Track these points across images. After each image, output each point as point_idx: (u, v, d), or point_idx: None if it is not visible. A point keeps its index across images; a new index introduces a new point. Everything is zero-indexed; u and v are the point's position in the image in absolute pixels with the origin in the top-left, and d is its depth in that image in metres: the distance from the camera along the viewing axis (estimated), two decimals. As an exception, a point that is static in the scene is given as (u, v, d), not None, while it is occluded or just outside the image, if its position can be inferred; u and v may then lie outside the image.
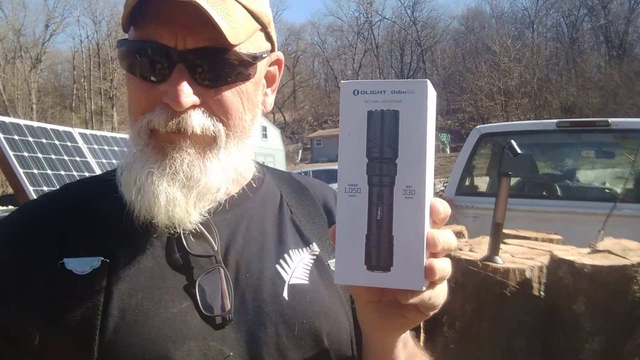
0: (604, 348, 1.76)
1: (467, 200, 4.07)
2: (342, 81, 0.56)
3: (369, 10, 61.35)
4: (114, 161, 3.75)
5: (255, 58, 0.72)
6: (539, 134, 4.20)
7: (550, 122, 4.07)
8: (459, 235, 3.03)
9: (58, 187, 0.85)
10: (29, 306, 0.68)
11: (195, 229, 0.73)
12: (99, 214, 0.75)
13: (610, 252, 1.97)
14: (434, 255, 0.56)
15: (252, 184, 0.84)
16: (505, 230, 2.23)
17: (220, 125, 0.72)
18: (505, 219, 2.02)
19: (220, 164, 0.72)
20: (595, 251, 2.02)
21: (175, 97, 0.67)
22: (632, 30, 48.25)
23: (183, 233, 0.72)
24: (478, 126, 4.47)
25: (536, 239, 2.75)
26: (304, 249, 0.81)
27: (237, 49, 0.69)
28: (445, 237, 0.56)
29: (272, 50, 0.80)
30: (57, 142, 3.34)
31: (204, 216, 0.73)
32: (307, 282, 0.77)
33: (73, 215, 0.74)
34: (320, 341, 0.73)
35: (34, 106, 45.42)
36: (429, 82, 0.54)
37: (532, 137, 4.23)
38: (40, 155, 3.10)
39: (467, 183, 4.25)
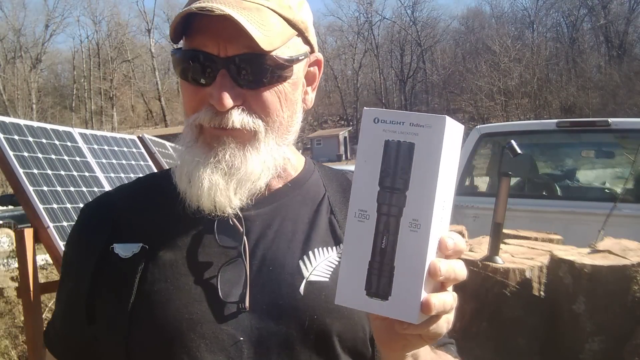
0: (604, 348, 1.76)
1: (467, 200, 4.07)
2: (364, 108, 0.57)
3: (369, 10, 61.32)
4: (114, 161, 3.75)
5: (292, 61, 0.80)
6: (539, 134, 4.20)
7: (550, 122, 4.07)
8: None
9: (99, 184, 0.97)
10: (82, 280, 0.81)
11: (230, 222, 0.80)
12: (151, 204, 0.86)
13: (610, 252, 1.97)
14: (440, 286, 0.58)
15: (296, 180, 0.91)
16: (505, 230, 2.23)
17: (259, 122, 0.79)
18: (505, 219, 2.02)
19: (260, 155, 0.80)
20: (595, 251, 2.02)
21: (219, 99, 0.76)
22: (632, 30, 48.23)
23: (217, 223, 0.80)
24: (478, 126, 4.47)
25: (536, 239, 2.75)
26: (334, 247, 0.85)
27: (273, 54, 0.77)
28: (450, 267, 0.57)
29: (312, 52, 0.88)
30: (57, 142, 3.34)
31: (247, 203, 0.80)
32: (327, 279, 0.81)
33: (130, 205, 0.87)
34: (329, 338, 0.78)
35: (34, 106, 45.43)
36: (448, 119, 0.55)
37: (532, 137, 4.23)
38: (40, 155, 3.09)
39: (467, 183, 4.25)
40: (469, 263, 1.99)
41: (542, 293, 1.95)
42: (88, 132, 3.83)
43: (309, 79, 0.90)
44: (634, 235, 2.24)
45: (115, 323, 0.76)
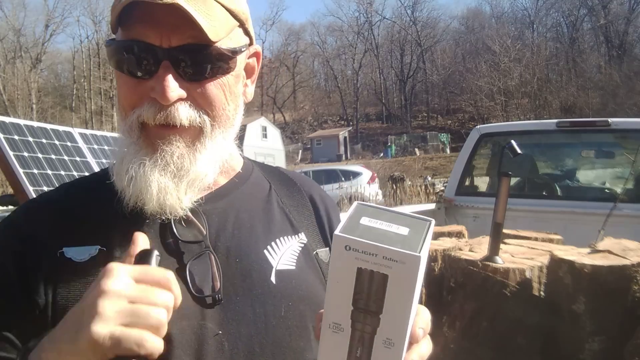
0: (604, 348, 1.76)
1: (467, 200, 4.07)
2: (335, 233, 0.56)
3: (369, 10, 61.31)
4: (114, 161, 3.75)
5: (235, 52, 0.78)
6: (539, 134, 4.20)
7: (550, 122, 4.07)
8: (459, 235, 3.03)
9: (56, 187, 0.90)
10: (32, 291, 0.72)
11: (185, 217, 0.78)
12: (94, 204, 0.80)
13: (610, 252, 1.97)
14: None
15: (241, 175, 0.91)
16: (505, 230, 2.23)
17: (205, 117, 0.77)
18: (505, 219, 2.02)
19: (208, 153, 0.78)
20: (595, 251, 2.02)
21: (162, 91, 0.72)
22: (632, 30, 48.23)
23: (173, 220, 0.77)
24: (478, 126, 4.47)
25: (536, 239, 2.75)
26: (293, 236, 0.87)
27: (217, 45, 0.75)
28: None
29: (251, 44, 0.86)
30: (57, 142, 3.34)
31: (196, 203, 0.78)
32: (294, 267, 0.82)
33: (71, 207, 0.80)
34: (305, 323, 0.79)
35: (34, 106, 45.43)
36: (422, 257, 0.55)
37: (532, 137, 4.23)
38: (40, 155, 3.10)
39: (467, 183, 4.25)
40: (469, 263, 1.99)
41: (542, 293, 1.95)
42: (88, 132, 3.84)
43: (248, 71, 0.88)
44: (634, 235, 2.24)
45: None
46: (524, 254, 2.20)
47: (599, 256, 1.93)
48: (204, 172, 0.77)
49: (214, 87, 0.77)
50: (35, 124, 3.35)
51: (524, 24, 54.69)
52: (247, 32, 0.84)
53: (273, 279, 0.79)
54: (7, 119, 3.10)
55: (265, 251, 0.82)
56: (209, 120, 0.77)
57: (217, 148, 0.79)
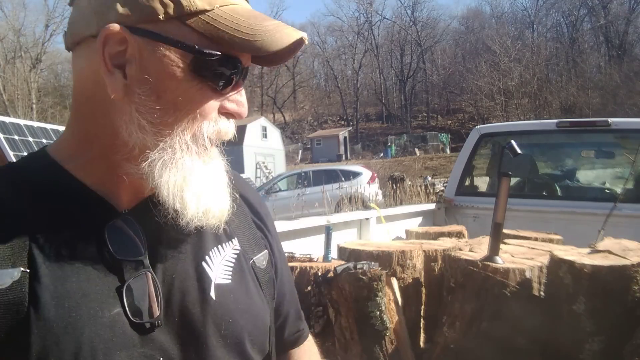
0: (604, 348, 1.75)
1: (467, 200, 4.07)
2: None
3: (369, 10, 61.28)
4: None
5: None
6: (539, 134, 4.20)
7: (550, 122, 4.07)
8: (459, 235, 3.03)
9: None
10: None
11: (123, 230, 0.69)
12: (13, 217, 0.65)
13: (610, 252, 1.97)
14: None
15: None
16: (505, 230, 2.22)
17: None
18: (505, 219, 2.02)
19: None
20: (595, 251, 2.02)
21: (244, 108, 0.72)
22: (632, 30, 48.21)
23: (109, 234, 0.68)
24: (478, 126, 4.46)
25: (536, 239, 2.75)
26: (226, 244, 0.80)
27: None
28: None
29: None
30: (57, 142, 3.35)
31: (124, 210, 0.71)
32: (230, 281, 0.77)
33: None
34: (243, 339, 0.75)
35: (34, 106, 45.40)
36: None
37: (532, 137, 4.23)
38: (40, 155, 3.10)
39: (467, 183, 4.25)
40: (469, 263, 1.99)
41: (542, 293, 1.95)
42: (88, 132, 3.84)
43: None
44: (634, 235, 2.24)
45: None
46: (524, 254, 2.20)
47: (599, 256, 1.93)
48: None
49: None
50: (35, 124, 3.35)
51: (524, 24, 54.69)
52: None
53: (212, 294, 0.73)
54: (7, 119, 3.11)
55: (203, 263, 0.75)
56: None
57: None
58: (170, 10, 0.64)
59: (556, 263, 1.92)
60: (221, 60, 0.67)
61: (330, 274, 1.99)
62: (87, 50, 0.67)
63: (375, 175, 14.83)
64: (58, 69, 55.43)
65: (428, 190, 11.41)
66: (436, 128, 50.14)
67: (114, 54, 0.65)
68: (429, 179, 20.94)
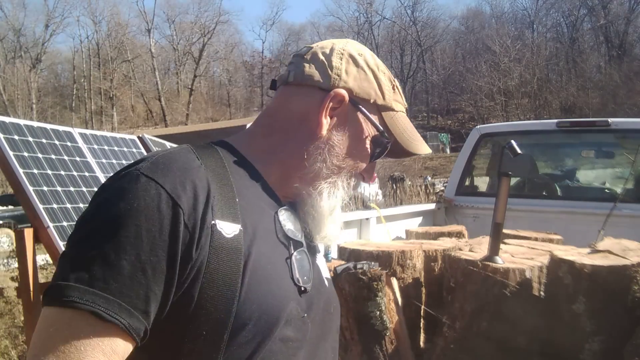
0: (604, 348, 1.76)
1: (467, 200, 4.07)
2: None
3: (369, 10, 61.25)
4: (114, 161, 3.74)
5: None
6: (539, 134, 4.20)
7: (550, 122, 4.07)
8: (459, 235, 3.03)
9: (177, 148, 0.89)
10: (187, 256, 0.76)
11: (287, 216, 0.91)
12: (231, 188, 0.85)
13: (610, 252, 1.97)
14: None
15: None
16: (505, 230, 2.23)
17: None
18: (505, 219, 2.02)
19: None
20: (595, 251, 2.02)
21: (373, 177, 0.98)
22: (632, 30, 48.18)
23: (283, 215, 0.90)
24: (478, 126, 4.47)
25: (536, 239, 2.75)
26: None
27: None
28: None
29: None
30: (57, 142, 3.33)
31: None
32: (328, 277, 1.03)
33: (216, 184, 0.83)
34: (338, 323, 1.01)
35: (34, 106, 45.39)
36: None
37: (532, 137, 4.23)
38: (40, 155, 3.09)
39: (467, 183, 4.25)
40: (469, 263, 1.99)
41: (542, 293, 1.95)
42: (88, 132, 3.83)
43: None
44: (634, 235, 2.24)
45: (222, 299, 0.77)
46: (524, 254, 2.20)
47: (599, 256, 1.94)
48: None
49: None
50: (35, 124, 3.34)
51: (524, 24, 54.65)
52: None
53: (326, 282, 0.98)
54: (7, 119, 3.10)
55: (318, 258, 0.99)
56: None
57: None
58: (379, 100, 0.94)
59: (556, 263, 1.92)
60: (385, 144, 0.96)
61: (330, 274, 1.99)
62: (309, 93, 0.92)
63: (375, 175, 14.82)
64: (58, 69, 55.49)
65: (428, 190, 11.42)
66: (436, 128, 50.13)
67: (332, 107, 0.91)
68: (429, 179, 20.95)
